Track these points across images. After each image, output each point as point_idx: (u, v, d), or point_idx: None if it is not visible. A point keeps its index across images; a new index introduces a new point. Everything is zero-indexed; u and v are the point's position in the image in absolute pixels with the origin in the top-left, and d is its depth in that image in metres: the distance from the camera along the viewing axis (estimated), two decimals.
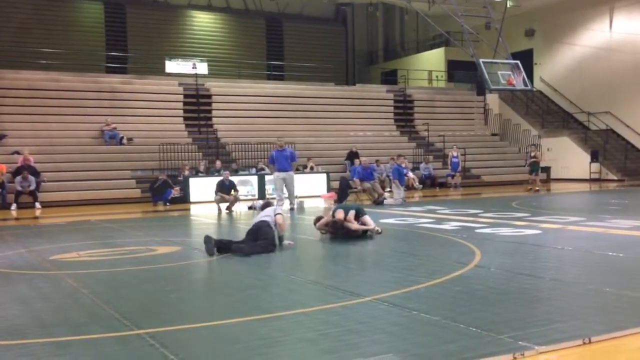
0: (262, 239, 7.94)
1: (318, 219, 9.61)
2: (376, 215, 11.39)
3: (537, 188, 19.46)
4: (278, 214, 8.43)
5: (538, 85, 29.40)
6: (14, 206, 16.45)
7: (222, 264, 7.37)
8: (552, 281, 5.81)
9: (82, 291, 5.78)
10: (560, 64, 29.00)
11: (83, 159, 19.48)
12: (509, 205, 14.18)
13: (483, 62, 21.32)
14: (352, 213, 9.14)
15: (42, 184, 17.49)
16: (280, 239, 8.29)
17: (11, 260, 7.82)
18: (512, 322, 4.34)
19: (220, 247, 7.82)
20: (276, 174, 14.55)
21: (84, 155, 19.68)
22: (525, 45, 29.90)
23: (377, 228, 9.31)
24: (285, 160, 14.41)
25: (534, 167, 20.00)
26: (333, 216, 9.17)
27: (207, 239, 7.80)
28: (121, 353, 3.91)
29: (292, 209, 14.07)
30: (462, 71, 30.68)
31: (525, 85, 22.15)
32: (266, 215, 8.38)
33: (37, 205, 16.68)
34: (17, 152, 18.44)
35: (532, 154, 20.26)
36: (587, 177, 24.81)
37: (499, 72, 21.33)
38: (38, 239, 10.01)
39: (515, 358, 3.65)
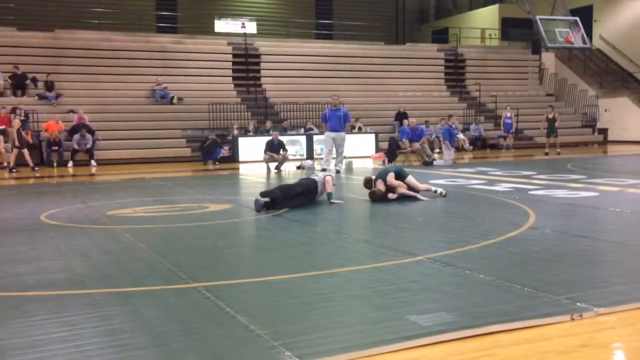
0: (307, 193, 8.44)
1: (367, 180, 9.29)
2: (426, 177, 11.27)
3: (546, 151, 18.89)
4: (328, 175, 8.92)
5: (597, 43, 28.14)
6: (70, 163, 16.98)
7: (273, 222, 7.45)
8: (611, 243, 5.66)
9: (140, 245, 5.95)
10: (621, 21, 27.62)
11: (135, 118, 19.87)
12: (563, 167, 13.79)
13: (540, 19, 20.52)
14: (391, 175, 8.84)
15: (97, 142, 17.97)
16: (329, 196, 8.61)
17: (70, 215, 8.11)
18: (569, 284, 4.25)
19: (271, 201, 8.06)
20: (327, 133, 14.24)
21: (136, 114, 20.07)
22: (585, 2, 28.52)
23: (439, 190, 9.16)
24: (338, 120, 14.08)
25: (550, 128, 19.21)
26: (374, 185, 8.94)
27: (257, 203, 8.04)
28: (180, 304, 4.03)
29: (338, 172, 13.81)
30: (516, 29, 29.61)
31: (584, 43, 21.27)
32: (316, 175, 8.97)
33: (93, 162, 17.17)
34: (72, 111, 18.93)
35: (550, 116, 19.29)
36: None
37: (556, 30, 20.53)
38: (95, 195, 10.33)
39: (573, 319, 3.58)
